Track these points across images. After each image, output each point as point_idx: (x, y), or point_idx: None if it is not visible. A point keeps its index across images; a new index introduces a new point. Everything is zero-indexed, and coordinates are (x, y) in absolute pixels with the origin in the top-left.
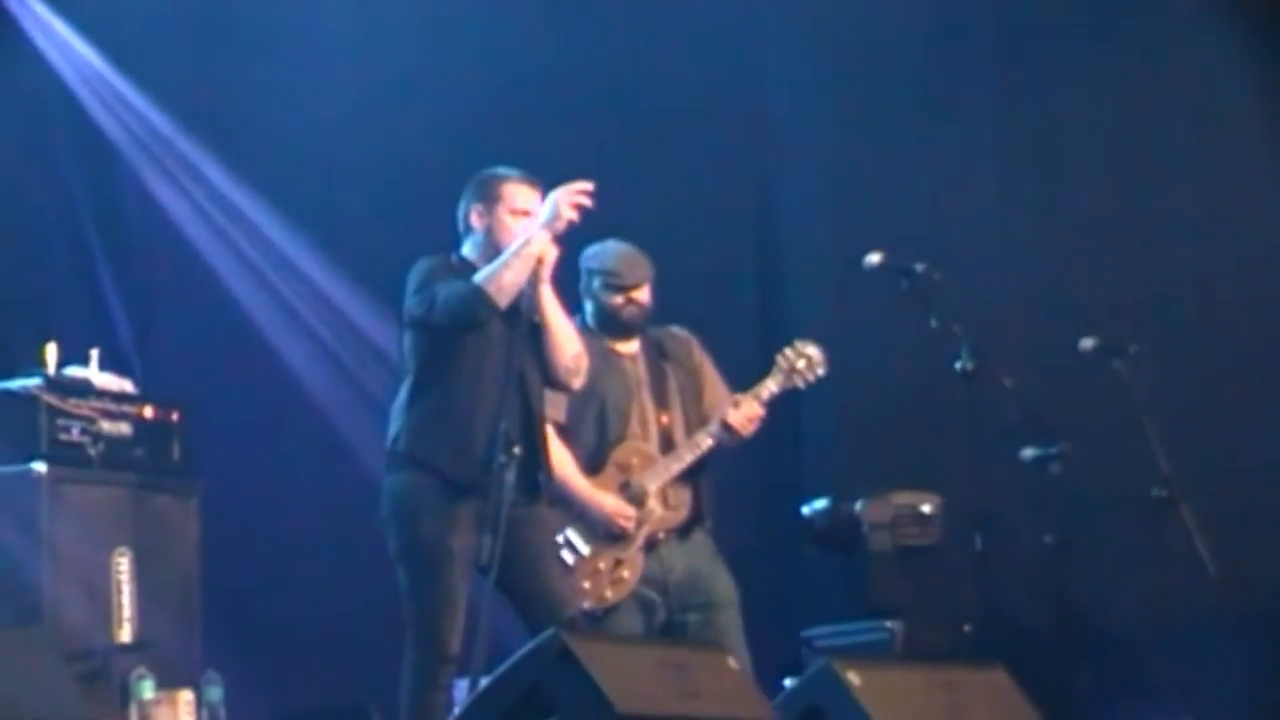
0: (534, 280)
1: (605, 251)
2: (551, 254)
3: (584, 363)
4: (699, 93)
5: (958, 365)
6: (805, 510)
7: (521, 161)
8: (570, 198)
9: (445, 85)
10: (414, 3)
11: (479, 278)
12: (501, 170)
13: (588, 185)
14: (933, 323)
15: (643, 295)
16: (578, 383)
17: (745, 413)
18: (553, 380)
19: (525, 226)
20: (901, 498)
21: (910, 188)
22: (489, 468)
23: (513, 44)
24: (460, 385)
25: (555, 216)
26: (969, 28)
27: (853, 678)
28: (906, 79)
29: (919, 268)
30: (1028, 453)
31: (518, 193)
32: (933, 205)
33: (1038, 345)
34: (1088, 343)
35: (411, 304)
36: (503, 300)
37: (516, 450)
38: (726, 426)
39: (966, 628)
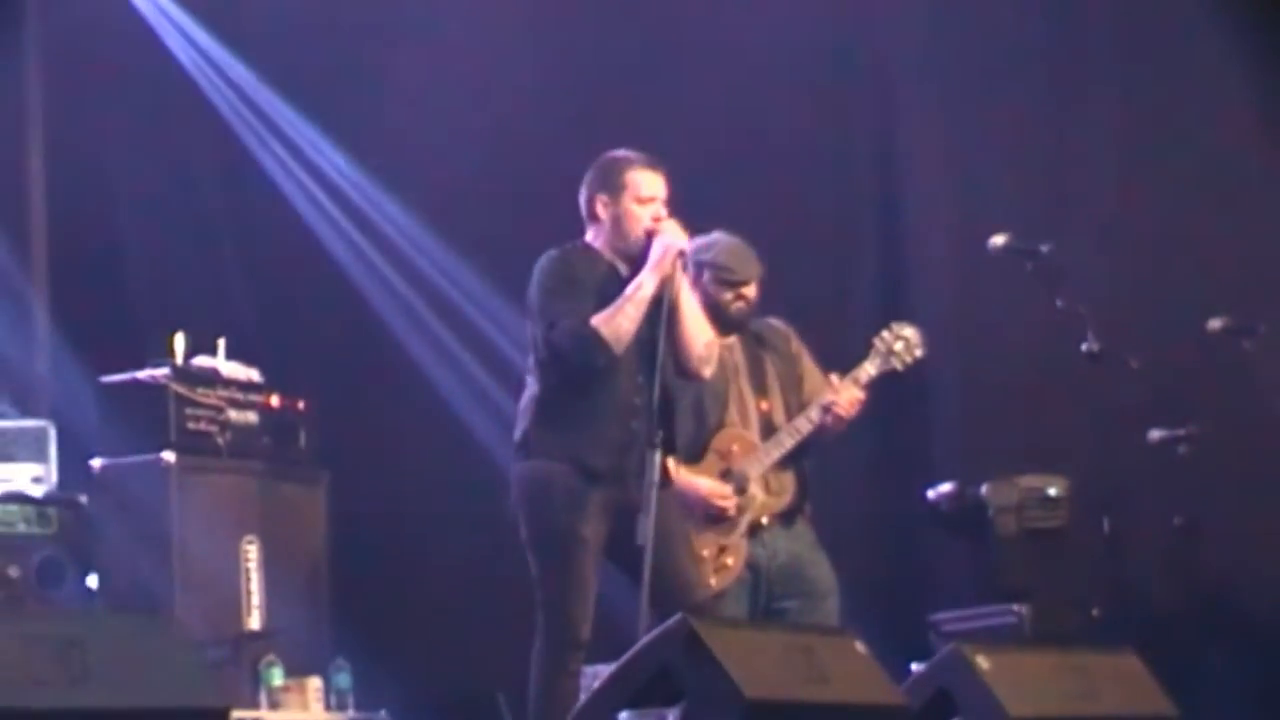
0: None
1: (718, 245)
2: (682, 241)
3: (715, 350)
4: (821, 76)
5: (1084, 347)
6: (931, 494)
7: (641, 139)
8: (674, 238)
9: (566, 76)
10: None
11: (597, 321)
12: (623, 155)
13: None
14: (1058, 304)
15: (751, 291)
16: (708, 371)
17: (846, 396)
18: (684, 368)
19: (650, 214)
20: (1028, 480)
21: (1034, 168)
22: (623, 454)
23: (631, 30)
24: (594, 377)
25: (663, 258)
26: (1092, 7)
27: (981, 662)
28: (1029, 59)
29: (1044, 249)
30: (1155, 434)
31: (642, 180)
32: (1057, 185)
33: (1165, 326)
34: (1216, 323)
35: (535, 311)
36: (619, 347)
37: (660, 434)
38: (827, 409)
39: (1095, 611)
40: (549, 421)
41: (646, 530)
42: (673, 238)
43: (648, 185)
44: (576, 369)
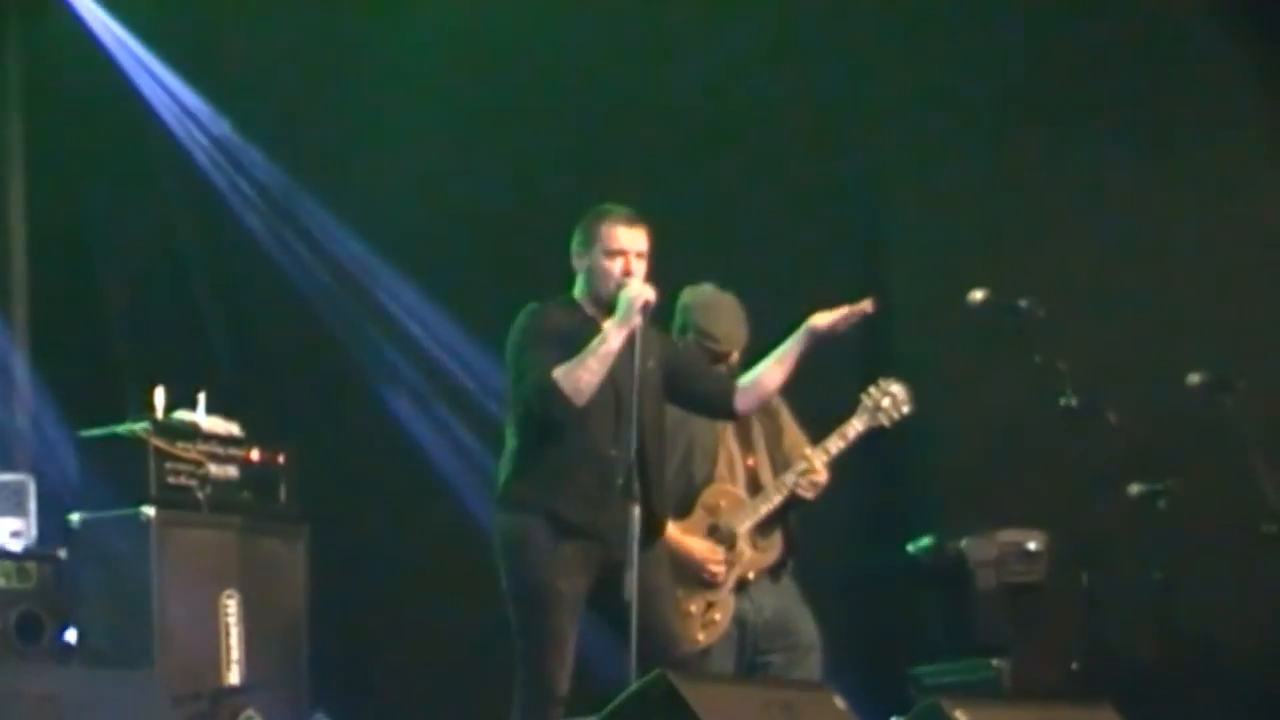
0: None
1: (707, 307)
2: (647, 295)
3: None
4: (806, 129)
5: (1063, 401)
6: (911, 548)
7: (625, 192)
8: (640, 292)
9: (550, 124)
10: (517, 33)
11: (557, 374)
12: (604, 208)
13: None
14: (1037, 359)
15: (735, 358)
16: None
17: (809, 474)
18: (736, 408)
19: (621, 268)
20: (1007, 535)
21: (1014, 223)
22: (601, 507)
23: (614, 75)
24: (570, 430)
25: (630, 314)
26: (1072, 67)
27: (960, 716)
28: (1011, 113)
29: (1023, 304)
30: (1134, 489)
31: (615, 234)
32: (1037, 241)
33: (1144, 381)
34: (1195, 378)
35: (509, 364)
36: (579, 400)
37: (638, 488)
38: (799, 476)
39: (1074, 665)
40: (526, 475)
41: (631, 586)
42: (638, 291)
43: (620, 239)
44: (542, 421)
